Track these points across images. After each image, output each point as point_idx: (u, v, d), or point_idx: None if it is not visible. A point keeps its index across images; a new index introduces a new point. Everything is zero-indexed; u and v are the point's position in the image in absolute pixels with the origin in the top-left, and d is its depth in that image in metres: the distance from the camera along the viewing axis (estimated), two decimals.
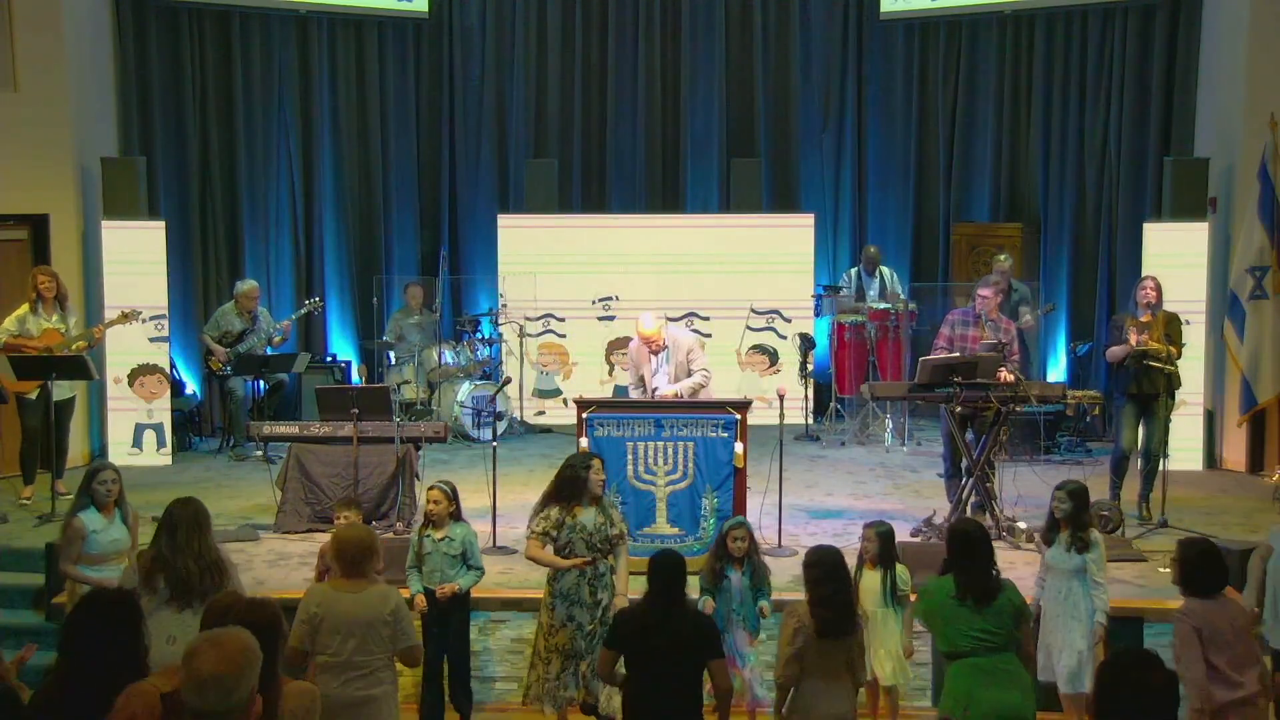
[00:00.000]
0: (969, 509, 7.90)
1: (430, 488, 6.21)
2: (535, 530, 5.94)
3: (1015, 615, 4.87)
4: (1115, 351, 8.23)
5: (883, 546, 5.91)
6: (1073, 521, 5.83)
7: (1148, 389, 8.14)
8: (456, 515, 6.21)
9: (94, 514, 6.02)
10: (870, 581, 5.89)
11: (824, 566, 4.91)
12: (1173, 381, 8.19)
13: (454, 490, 6.23)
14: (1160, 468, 8.18)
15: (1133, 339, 8.02)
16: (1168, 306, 8.36)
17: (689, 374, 7.84)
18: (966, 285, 10.97)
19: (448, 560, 6.07)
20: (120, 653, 3.72)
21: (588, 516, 5.90)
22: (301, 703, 3.83)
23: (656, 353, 7.84)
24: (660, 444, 7.09)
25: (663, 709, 4.76)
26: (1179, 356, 8.18)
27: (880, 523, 6.07)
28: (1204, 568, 4.90)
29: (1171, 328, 8.19)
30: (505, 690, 6.73)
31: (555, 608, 5.86)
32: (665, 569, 4.91)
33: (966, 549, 4.92)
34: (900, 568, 5.95)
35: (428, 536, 6.13)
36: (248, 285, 10.68)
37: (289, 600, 4.96)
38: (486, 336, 11.50)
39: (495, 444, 7.81)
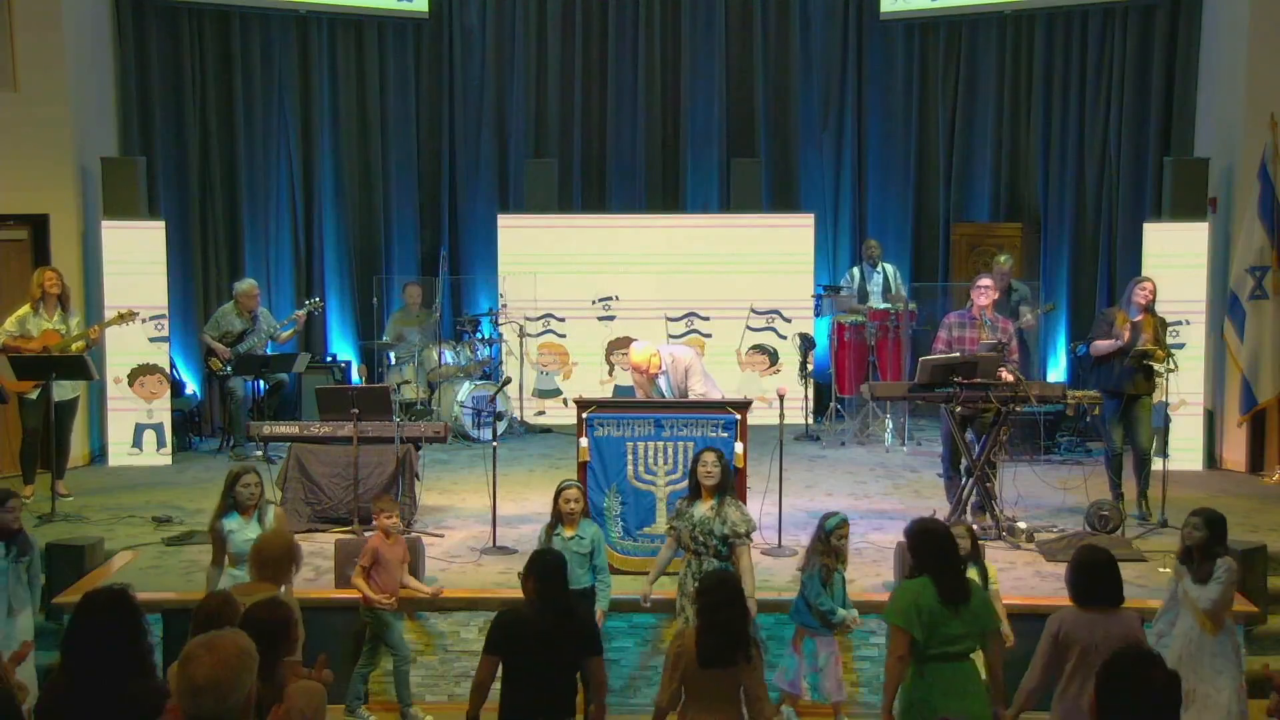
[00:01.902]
0: (969, 509, 7.90)
1: (568, 487, 6.24)
2: (670, 526, 6.08)
3: (987, 614, 4.84)
4: (1102, 346, 8.20)
5: (974, 544, 5.79)
6: (1207, 552, 5.42)
7: (1130, 389, 8.13)
8: (585, 513, 6.29)
9: (234, 516, 6.14)
10: None
11: (721, 593, 4.62)
12: (1152, 381, 8.22)
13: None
14: (1159, 466, 8.17)
15: (1125, 335, 8.02)
16: (1168, 306, 8.37)
17: (686, 395, 7.80)
18: (967, 285, 10.95)
19: (578, 559, 6.09)
20: (122, 652, 3.72)
21: (701, 510, 5.95)
22: (310, 702, 3.84)
23: (655, 377, 7.81)
24: (660, 444, 7.09)
25: (541, 708, 4.69)
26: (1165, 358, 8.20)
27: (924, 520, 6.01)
28: (1094, 579, 4.74)
29: (1160, 331, 8.21)
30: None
31: (685, 607, 5.91)
32: (544, 569, 4.83)
33: (940, 549, 4.87)
34: (989, 566, 5.88)
35: (558, 536, 6.15)
36: (246, 284, 10.68)
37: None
38: (486, 336, 11.50)
39: (495, 444, 7.80)
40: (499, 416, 9.73)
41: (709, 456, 6.07)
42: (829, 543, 6.03)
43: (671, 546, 6.24)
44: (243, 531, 6.08)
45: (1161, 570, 6.88)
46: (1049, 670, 4.74)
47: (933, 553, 4.86)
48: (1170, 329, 8.66)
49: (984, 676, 4.89)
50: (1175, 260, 9.78)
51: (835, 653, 6.10)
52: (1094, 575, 4.74)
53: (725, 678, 4.49)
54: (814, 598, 5.99)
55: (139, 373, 10.20)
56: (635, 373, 7.87)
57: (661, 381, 7.83)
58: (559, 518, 6.20)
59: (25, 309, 8.91)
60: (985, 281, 8.33)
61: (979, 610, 4.80)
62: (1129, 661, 3.36)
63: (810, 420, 11.25)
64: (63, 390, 8.79)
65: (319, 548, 7.58)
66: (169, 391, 10.36)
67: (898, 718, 4.75)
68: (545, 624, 4.71)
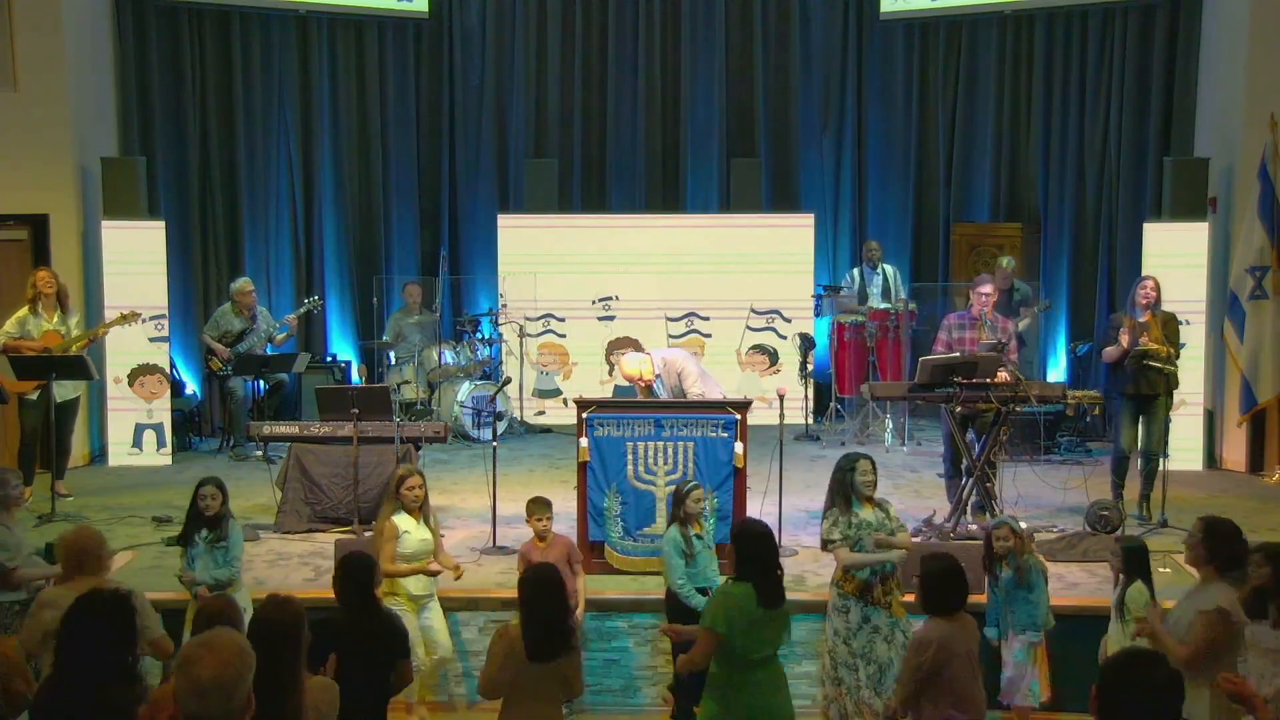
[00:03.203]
0: (969, 509, 7.90)
1: (694, 486, 6.21)
2: (833, 539, 5.92)
3: (787, 619, 4.92)
4: (1110, 352, 8.23)
5: (1126, 561, 5.67)
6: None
7: (1146, 389, 8.14)
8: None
9: (404, 516, 6.19)
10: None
11: (539, 585, 4.66)
12: (1171, 381, 8.19)
13: None
14: (1160, 468, 8.18)
15: (1124, 340, 8.02)
16: (1167, 306, 8.36)
17: (684, 395, 7.80)
18: (966, 285, 10.97)
19: (708, 556, 6.14)
20: (113, 654, 3.72)
21: (869, 514, 5.94)
22: (324, 697, 3.84)
23: (650, 384, 7.81)
24: (660, 444, 7.08)
25: (355, 708, 4.62)
26: (1177, 356, 8.18)
27: (1129, 539, 5.93)
28: (947, 586, 4.72)
29: (1169, 328, 8.18)
30: None
31: (849, 611, 5.85)
32: (355, 570, 4.84)
33: (765, 553, 4.82)
34: (1136, 587, 5.61)
35: (695, 536, 6.13)
36: (240, 282, 10.69)
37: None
38: (486, 336, 11.50)
39: (495, 444, 7.80)
40: (499, 416, 9.73)
41: (866, 465, 5.99)
42: (989, 545, 5.93)
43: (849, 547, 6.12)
44: (416, 532, 6.16)
45: (1162, 570, 6.87)
46: (914, 685, 4.68)
47: (758, 556, 4.82)
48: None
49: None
50: (1175, 260, 9.78)
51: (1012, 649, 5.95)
52: (953, 584, 4.72)
53: (550, 670, 4.57)
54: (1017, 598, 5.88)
55: (139, 373, 10.20)
56: (629, 382, 7.87)
57: (657, 386, 7.84)
58: (685, 520, 6.14)
59: (24, 310, 8.91)
60: (986, 288, 8.32)
61: (786, 615, 4.88)
62: (1131, 660, 3.36)
63: (810, 420, 11.25)
64: (63, 390, 8.79)
65: (319, 548, 7.58)
66: (169, 391, 10.37)
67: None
68: (355, 628, 4.69)
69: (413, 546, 6.15)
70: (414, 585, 6.15)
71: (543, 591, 4.63)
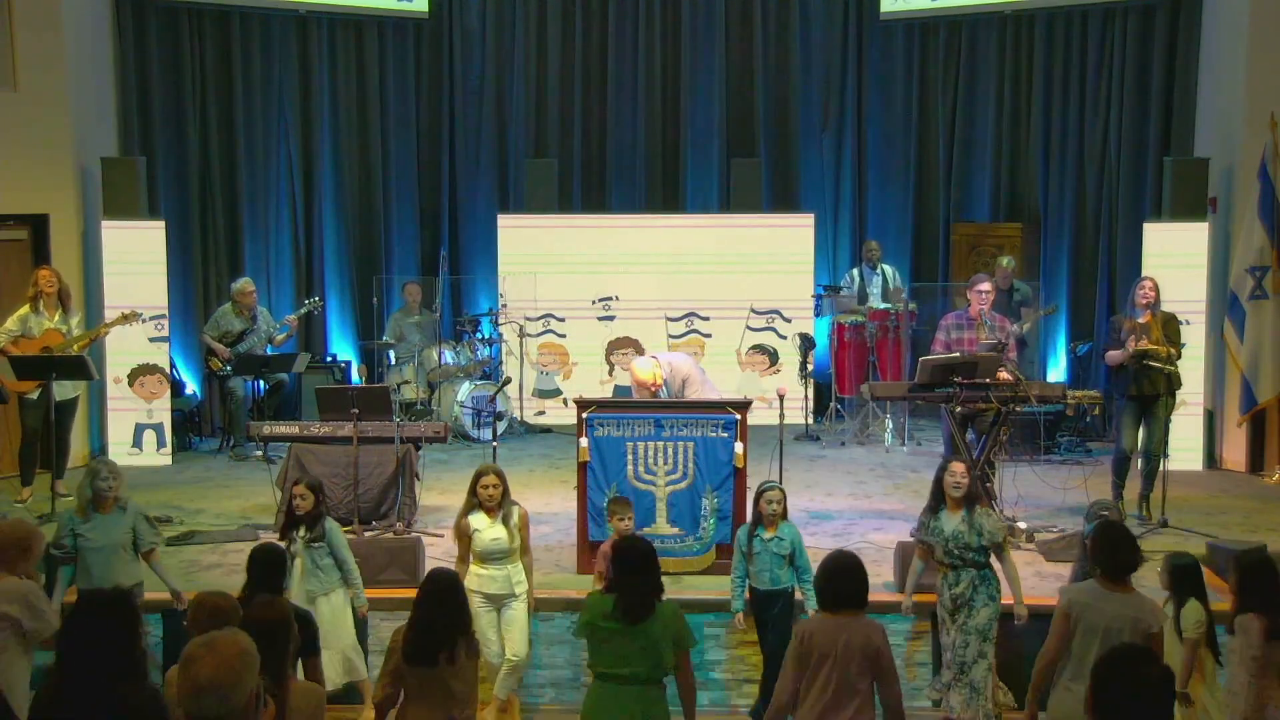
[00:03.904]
0: None
1: (770, 488, 6.16)
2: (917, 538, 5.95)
3: (673, 639, 4.62)
4: (1113, 356, 8.23)
5: (1175, 580, 5.31)
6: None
7: (1148, 390, 8.13)
8: (785, 514, 6.21)
9: (480, 515, 6.16)
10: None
11: (427, 587, 4.70)
12: (1173, 382, 8.18)
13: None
14: (1160, 468, 8.18)
15: (1130, 345, 8.02)
16: (1167, 306, 8.35)
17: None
18: (965, 285, 10.98)
19: (777, 560, 6.07)
20: (118, 653, 3.71)
21: (950, 523, 5.82)
22: (309, 700, 3.84)
23: (656, 392, 7.80)
24: (660, 444, 7.08)
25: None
26: (1178, 357, 8.18)
27: (1180, 554, 5.54)
28: (834, 582, 4.55)
29: (1170, 328, 8.17)
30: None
31: (945, 619, 5.82)
32: (263, 562, 4.96)
33: (631, 564, 4.68)
34: (1190, 606, 5.23)
35: (757, 536, 6.11)
36: (241, 282, 10.69)
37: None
38: (486, 336, 11.50)
39: (495, 444, 7.80)
40: (499, 416, 9.74)
41: (958, 467, 5.89)
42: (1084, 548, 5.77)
43: (924, 557, 6.07)
44: (489, 531, 6.12)
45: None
46: (790, 680, 4.48)
47: (622, 568, 4.71)
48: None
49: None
50: (1175, 260, 9.78)
51: None
52: (844, 580, 4.56)
53: (431, 676, 4.55)
54: None
55: (139, 373, 10.20)
56: (640, 388, 7.82)
57: (662, 391, 7.83)
58: (759, 519, 6.13)
59: (25, 309, 8.91)
60: (984, 286, 8.32)
61: (654, 633, 4.58)
62: (1123, 658, 3.37)
63: (810, 420, 11.25)
64: (63, 390, 8.79)
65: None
66: (169, 391, 10.37)
67: None
68: (251, 621, 4.68)
69: (483, 545, 6.09)
70: (490, 585, 6.10)
71: (429, 596, 4.67)
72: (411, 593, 6.48)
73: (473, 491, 6.19)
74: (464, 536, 6.15)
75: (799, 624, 4.83)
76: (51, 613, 5.04)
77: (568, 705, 6.42)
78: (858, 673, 4.38)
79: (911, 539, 7.05)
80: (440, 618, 4.61)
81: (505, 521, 6.14)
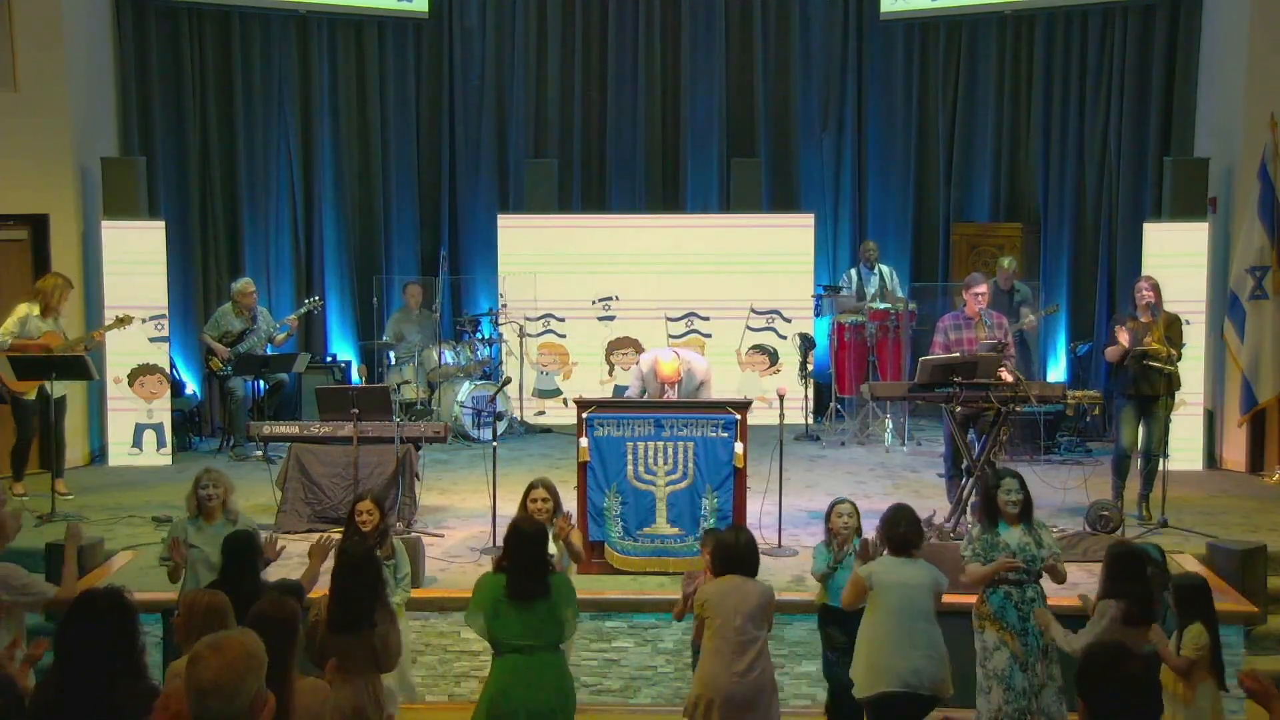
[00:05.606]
0: (969, 509, 7.89)
1: (838, 502, 6.07)
2: (964, 554, 5.75)
3: (569, 610, 4.98)
4: (1111, 352, 8.23)
5: (1179, 603, 5.11)
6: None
7: (1148, 390, 8.13)
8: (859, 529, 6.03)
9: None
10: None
11: (346, 565, 4.97)
12: (1173, 382, 8.19)
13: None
14: (1160, 468, 8.18)
15: (1122, 339, 8.02)
16: (1168, 307, 8.35)
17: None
18: (962, 286, 10.99)
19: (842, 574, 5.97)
20: (116, 654, 3.71)
21: (1011, 536, 5.63)
22: (315, 698, 3.83)
23: (673, 387, 7.78)
24: (660, 444, 7.09)
25: None
26: (1179, 358, 8.18)
27: (1187, 575, 5.49)
28: (725, 557, 5.23)
29: (1172, 329, 8.18)
30: None
31: (984, 631, 5.62)
32: (236, 548, 5.15)
33: (522, 549, 4.97)
34: (1194, 628, 4.98)
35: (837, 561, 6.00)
36: (242, 282, 10.69)
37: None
38: (486, 336, 11.50)
39: (495, 444, 7.80)
40: (499, 416, 9.73)
41: (1013, 484, 5.68)
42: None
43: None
44: None
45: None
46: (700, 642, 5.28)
47: (510, 550, 5.02)
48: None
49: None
50: (1175, 260, 9.78)
51: None
52: (734, 555, 5.25)
53: (356, 643, 4.81)
54: None
55: (139, 373, 10.20)
56: (663, 383, 7.78)
57: (674, 388, 7.83)
58: (831, 534, 6.01)
59: (25, 309, 8.90)
60: (980, 288, 8.31)
61: (553, 607, 4.92)
62: (1104, 656, 3.42)
63: (810, 420, 11.25)
64: (55, 388, 8.77)
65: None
66: (169, 391, 10.36)
67: (481, 704, 4.91)
68: (233, 596, 4.65)
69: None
70: None
71: (351, 565, 4.95)
72: (415, 593, 6.59)
73: (523, 506, 6.10)
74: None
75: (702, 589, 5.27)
76: (37, 582, 5.14)
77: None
78: (755, 625, 5.11)
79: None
80: (356, 587, 4.88)
81: (554, 538, 6.00)
